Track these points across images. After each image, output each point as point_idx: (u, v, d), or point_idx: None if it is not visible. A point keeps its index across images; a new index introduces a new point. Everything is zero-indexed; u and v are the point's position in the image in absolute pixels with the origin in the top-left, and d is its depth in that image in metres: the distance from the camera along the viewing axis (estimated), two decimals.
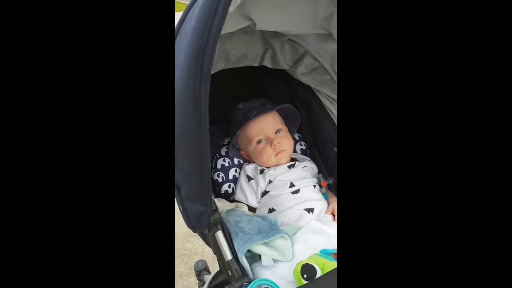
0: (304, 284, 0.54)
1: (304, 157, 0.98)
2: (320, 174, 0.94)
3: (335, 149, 0.91)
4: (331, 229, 0.74)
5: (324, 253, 0.66)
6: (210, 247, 0.79)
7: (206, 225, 0.58)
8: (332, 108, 0.87)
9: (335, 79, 0.83)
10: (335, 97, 0.84)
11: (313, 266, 0.59)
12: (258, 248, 0.66)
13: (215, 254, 0.82)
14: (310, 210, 0.79)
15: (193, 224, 0.57)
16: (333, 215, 0.82)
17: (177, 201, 0.58)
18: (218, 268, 1.07)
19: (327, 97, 0.88)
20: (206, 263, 1.43)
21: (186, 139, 0.45)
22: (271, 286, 0.57)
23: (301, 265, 0.59)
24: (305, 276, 0.58)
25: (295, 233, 0.72)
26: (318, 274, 0.59)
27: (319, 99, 0.91)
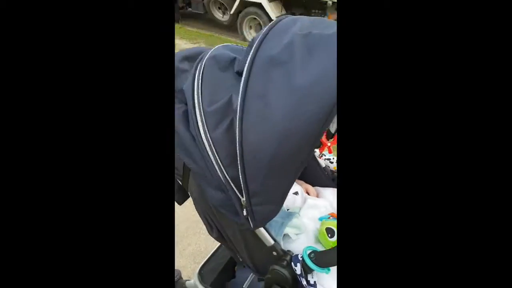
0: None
1: None
2: None
3: None
4: (318, 202, 1.01)
5: (324, 218, 0.93)
6: (233, 246, 0.94)
7: (268, 221, 0.75)
8: None
9: None
10: None
11: (332, 228, 0.85)
12: (285, 229, 0.87)
13: (232, 249, 0.97)
14: (296, 193, 1.04)
15: (257, 223, 0.73)
16: (308, 193, 1.10)
17: (241, 206, 0.72)
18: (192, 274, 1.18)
19: None
20: (180, 272, 1.49)
21: (289, 156, 0.61)
22: (314, 250, 0.79)
23: (324, 228, 0.84)
24: (329, 235, 0.84)
25: (299, 212, 0.96)
26: (335, 232, 0.85)
27: None
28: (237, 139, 0.65)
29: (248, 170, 0.66)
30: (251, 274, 1.17)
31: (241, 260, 0.98)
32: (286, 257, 0.80)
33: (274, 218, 0.86)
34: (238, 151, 0.66)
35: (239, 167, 0.67)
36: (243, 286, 1.12)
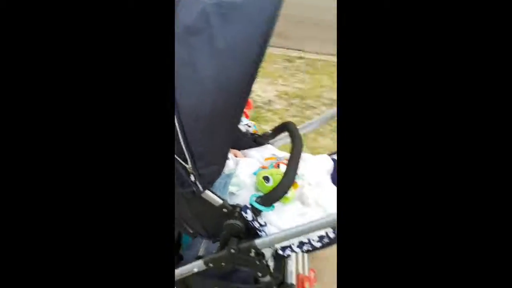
0: (277, 186, 0.91)
1: None
2: None
3: None
4: (248, 161, 1.14)
5: (257, 172, 1.06)
6: (180, 219, 0.99)
7: (214, 181, 0.83)
8: None
9: None
10: None
11: (267, 176, 0.98)
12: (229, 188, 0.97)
13: (180, 223, 1.02)
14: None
15: (206, 186, 0.81)
16: (236, 156, 1.21)
17: (187, 173, 0.78)
18: None
19: None
20: None
21: (225, 114, 0.69)
22: (258, 196, 0.91)
23: (261, 177, 0.97)
24: (266, 182, 0.97)
25: (235, 172, 1.07)
26: (270, 178, 0.98)
27: None
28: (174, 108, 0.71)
29: (189, 133, 0.73)
30: (203, 242, 1.24)
31: (191, 231, 1.05)
32: (236, 209, 0.90)
33: (217, 180, 0.96)
34: (176, 118, 0.71)
35: (180, 134, 0.73)
36: (199, 254, 1.19)
